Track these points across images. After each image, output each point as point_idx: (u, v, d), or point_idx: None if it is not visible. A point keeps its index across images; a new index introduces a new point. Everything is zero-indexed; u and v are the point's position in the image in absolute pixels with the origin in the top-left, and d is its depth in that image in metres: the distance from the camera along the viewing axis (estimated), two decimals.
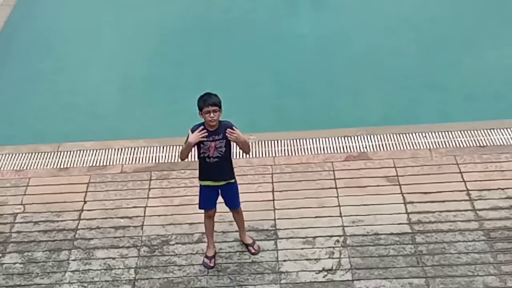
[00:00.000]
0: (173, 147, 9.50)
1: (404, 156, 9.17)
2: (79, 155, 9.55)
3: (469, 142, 9.35)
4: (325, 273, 7.69)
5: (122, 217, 8.51)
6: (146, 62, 12.21)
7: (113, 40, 12.82)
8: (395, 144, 9.41)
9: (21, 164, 9.46)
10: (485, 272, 7.57)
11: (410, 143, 9.40)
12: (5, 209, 8.72)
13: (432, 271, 7.62)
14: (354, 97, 11.13)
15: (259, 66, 11.94)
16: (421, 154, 9.18)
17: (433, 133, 9.52)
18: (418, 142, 9.41)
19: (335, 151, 9.34)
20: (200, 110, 7.29)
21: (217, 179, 7.57)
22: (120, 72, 11.96)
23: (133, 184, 9.00)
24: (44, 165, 9.42)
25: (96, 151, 9.61)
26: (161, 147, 9.59)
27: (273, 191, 8.76)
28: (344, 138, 9.55)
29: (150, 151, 9.56)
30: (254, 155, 9.30)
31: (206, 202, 7.71)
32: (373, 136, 9.54)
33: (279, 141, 9.57)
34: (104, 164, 9.37)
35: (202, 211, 7.81)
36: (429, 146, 9.32)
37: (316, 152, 9.36)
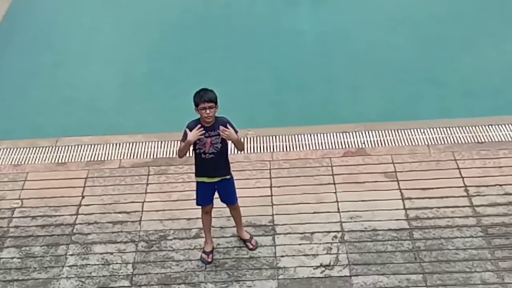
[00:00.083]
0: (171, 142, 9.49)
1: (402, 152, 9.17)
2: (77, 150, 9.55)
3: (467, 138, 9.34)
4: (323, 268, 7.69)
5: (120, 212, 8.51)
6: (145, 57, 12.20)
7: (112, 35, 12.81)
8: (394, 140, 9.41)
9: (19, 159, 9.46)
10: (482, 268, 7.58)
11: (409, 139, 9.40)
12: (3, 203, 8.73)
13: (430, 267, 7.63)
14: (353, 93, 11.12)
15: (258, 61, 11.93)
16: (420, 150, 9.18)
17: (432, 129, 9.52)
18: (417, 138, 9.41)
19: (333, 147, 9.34)
20: (196, 106, 7.27)
21: (212, 175, 7.57)
22: (119, 67, 11.95)
23: (131, 179, 9.00)
24: (42, 159, 9.43)
25: (94, 146, 9.61)
26: (160, 142, 9.58)
27: (271, 187, 8.76)
28: (343, 134, 9.54)
29: (148, 146, 9.56)
30: (252, 151, 9.31)
31: (203, 198, 7.71)
32: (372, 132, 9.55)
33: (277, 137, 9.57)
34: (102, 159, 9.37)
35: (200, 206, 7.81)
36: (428, 142, 9.32)
37: (314, 148, 9.35)
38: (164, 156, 9.35)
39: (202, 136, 7.31)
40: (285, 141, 9.50)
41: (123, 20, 13.22)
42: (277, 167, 9.05)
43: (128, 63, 12.04)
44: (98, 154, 9.46)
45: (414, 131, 9.52)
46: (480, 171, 8.78)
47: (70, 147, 9.61)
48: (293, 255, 7.86)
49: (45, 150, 9.59)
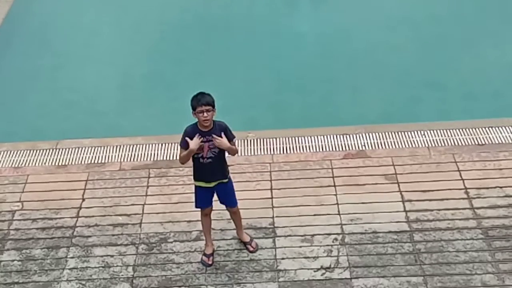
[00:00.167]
0: (171, 145, 9.49)
1: (402, 154, 9.16)
2: (77, 153, 9.54)
3: (467, 140, 9.34)
4: (323, 271, 7.69)
5: (120, 215, 8.51)
6: (145, 59, 12.20)
7: (112, 37, 12.81)
8: (394, 142, 9.41)
9: (19, 161, 9.45)
10: (483, 270, 7.57)
11: (409, 141, 9.39)
12: (3, 206, 8.72)
13: (430, 269, 7.63)
14: (353, 95, 11.12)
15: (258, 63, 11.92)
16: (420, 152, 9.18)
17: (432, 131, 9.52)
18: (417, 140, 9.40)
19: (334, 149, 9.34)
20: (194, 110, 7.25)
21: (209, 180, 7.56)
22: (119, 70, 11.95)
23: (132, 181, 8.99)
24: (42, 162, 9.42)
25: (95, 148, 9.60)
26: (160, 145, 9.58)
27: (271, 189, 8.76)
28: (343, 136, 9.54)
29: (148, 148, 9.55)
30: (252, 153, 9.30)
31: (202, 201, 7.71)
32: (372, 134, 9.54)
33: (278, 139, 9.56)
34: (103, 161, 9.37)
35: (199, 209, 7.81)
36: (428, 144, 9.32)
37: (314, 150, 9.35)
38: (164, 158, 9.34)
39: (202, 143, 7.31)
40: (285, 143, 9.49)
41: (123, 22, 13.22)
42: (277, 169, 9.05)
43: (128, 65, 12.04)
44: (99, 156, 9.46)
45: (414, 133, 9.52)
46: (481, 173, 8.78)
47: (70, 149, 9.61)
48: (294, 258, 7.85)
49: (45, 152, 9.59)
